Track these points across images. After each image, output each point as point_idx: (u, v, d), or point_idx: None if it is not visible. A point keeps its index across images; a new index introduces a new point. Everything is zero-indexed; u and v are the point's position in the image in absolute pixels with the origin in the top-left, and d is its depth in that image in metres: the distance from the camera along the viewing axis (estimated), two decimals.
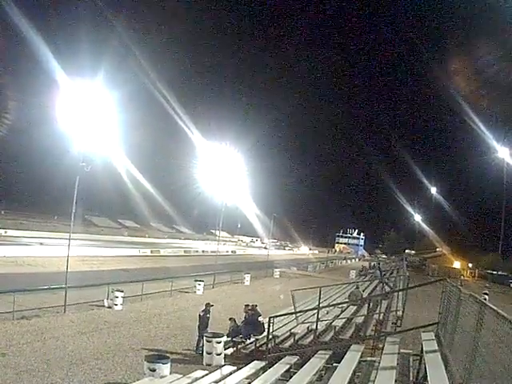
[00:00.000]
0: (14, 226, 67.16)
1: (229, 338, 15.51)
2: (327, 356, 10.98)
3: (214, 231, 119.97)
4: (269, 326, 13.15)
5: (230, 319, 16.26)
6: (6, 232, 57.71)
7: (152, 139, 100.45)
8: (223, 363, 13.34)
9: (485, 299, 9.29)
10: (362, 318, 15.54)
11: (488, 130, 63.52)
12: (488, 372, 5.63)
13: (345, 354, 10.46)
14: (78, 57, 49.22)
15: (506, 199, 70.13)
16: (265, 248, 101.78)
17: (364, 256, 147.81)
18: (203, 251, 73.96)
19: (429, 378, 6.85)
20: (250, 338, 15.63)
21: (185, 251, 70.27)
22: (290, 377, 9.48)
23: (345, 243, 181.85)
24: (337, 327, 14.86)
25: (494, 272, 67.91)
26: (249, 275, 39.31)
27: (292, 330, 14.91)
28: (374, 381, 8.34)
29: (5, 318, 17.70)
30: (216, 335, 14.03)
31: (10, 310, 18.10)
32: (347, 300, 20.63)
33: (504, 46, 52.88)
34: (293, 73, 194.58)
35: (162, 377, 10.51)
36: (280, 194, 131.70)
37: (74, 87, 23.23)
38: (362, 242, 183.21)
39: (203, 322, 15.93)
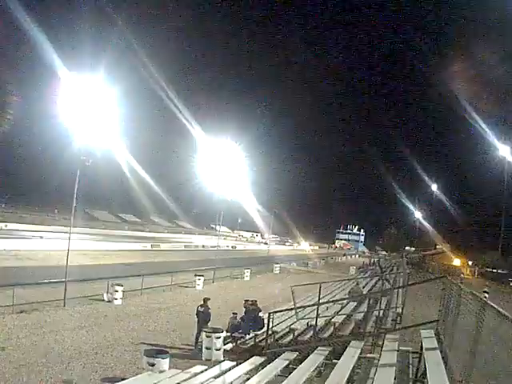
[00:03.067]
0: (15, 220, 67.22)
1: (228, 334, 15.51)
2: (327, 352, 10.97)
3: (214, 226, 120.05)
4: (268, 321, 13.14)
5: (233, 314, 16.30)
6: (6, 225, 57.70)
7: (153, 133, 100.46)
8: (222, 358, 13.32)
9: (485, 297, 9.27)
10: (362, 314, 15.56)
11: (489, 128, 63.33)
12: (488, 370, 5.62)
13: (344, 350, 10.47)
14: (78, 51, 48.99)
15: (507, 197, 69.93)
16: (265, 243, 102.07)
17: (364, 252, 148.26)
18: (203, 246, 74.09)
19: (428, 375, 6.83)
20: (249, 334, 15.63)
21: (185, 246, 70.38)
22: (290, 373, 9.47)
23: (345, 239, 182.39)
24: (336, 323, 14.85)
25: (494, 270, 67.85)
26: (249, 270, 39.33)
27: (291, 326, 14.89)
28: (373, 378, 8.33)
29: (4, 311, 17.71)
30: (215, 330, 14.01)
31: (9, 303, 18.12)
32: (347, 296, 20.64)
33: (505, 44, 52.78)
34: (295, 69, 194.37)
35: (160, 371, 10.49)
36: (281, 189, 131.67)
37: (75, 81, 23.19)
38: (362, 239, 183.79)
39: (202, 317, 15.89)
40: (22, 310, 18.33)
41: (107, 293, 22.67)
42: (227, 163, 39.58)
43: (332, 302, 18.37)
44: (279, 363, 10.49)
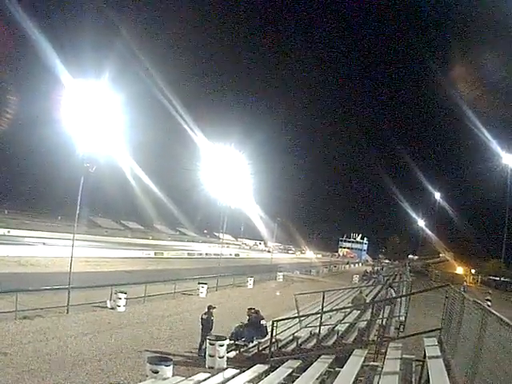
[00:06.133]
0: (17, 226, 67.27)
1: (231, 341, 15.49)
2: (330, 360, 10.95)
3: (217, 234, 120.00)
4: (272, 329, 13.13)
5: (241, 324, 16.35)
6: (9, 231, 57.78)
7: (157, 141, 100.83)
8: (225, 366, 13.30)
9: (488, 305, 9.26)
10: (365, 322, 15.51)
11: (492, 136, 63.31)
12: (491, 378, 5.62)
13: (348, 358, 10.44)
14: (83, 58, 49.39)
15: (510, 205, 69.75)
16: (268, 251, 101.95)
17: (367, 261, 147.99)
18: (206, 254, 74.00)
19: (431, 383, 6.83)
20: (252, 342, 15.62)
21: (188, 254, 70.33)
22: (293, 381, 9.46)
23: (348, 248, 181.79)
24: (340, 332, 14.79)
25: (497, 278, 67.68)
26: (252, 279, 39.27)
27: (295, 334, 14.87)
28: None
29: (7, 317, 17.67)
30: (219, 338, 14.00)
31: (12, 309, 18.10)
32: (350, 305, 20.59)
33: (508, 50, 52.82)
34: (298, 76, 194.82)
35: (164, 379, 10.48)
36: (284, 197, 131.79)
37: (80, 88, 23.36)
38: (365, 247, 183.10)
39: (206, 324, 15.90)
40: (25, 316, 18.30)
41: (110, 300, 22.67)
42: (230, 171, 39.69)
43: (335, 310, 18.35)
44: (282, 371, 10.46)
